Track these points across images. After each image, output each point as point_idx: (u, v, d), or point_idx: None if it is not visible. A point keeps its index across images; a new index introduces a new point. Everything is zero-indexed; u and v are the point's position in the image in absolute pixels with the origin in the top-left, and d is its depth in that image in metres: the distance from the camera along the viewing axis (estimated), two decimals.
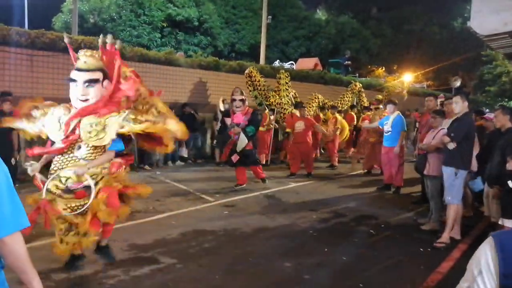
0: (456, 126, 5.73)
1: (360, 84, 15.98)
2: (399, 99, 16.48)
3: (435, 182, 6.26)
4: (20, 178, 7.67)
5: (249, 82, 12.54)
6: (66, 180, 4.04)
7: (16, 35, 9.44)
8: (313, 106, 13.80)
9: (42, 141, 4.50)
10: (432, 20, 37.87)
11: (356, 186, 9.85)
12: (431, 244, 5.66)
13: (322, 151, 14.89)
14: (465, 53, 26.61)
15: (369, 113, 12.55)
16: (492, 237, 1.45)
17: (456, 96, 5.89)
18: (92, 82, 4.07)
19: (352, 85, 15.70)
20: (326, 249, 5.40)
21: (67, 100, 4.30)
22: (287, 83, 13.20)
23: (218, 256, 5.06)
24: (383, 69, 30.46)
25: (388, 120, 9.02)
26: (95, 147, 4.12)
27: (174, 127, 4.27)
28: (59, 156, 4.11)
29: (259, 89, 12.53)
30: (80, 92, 4.04)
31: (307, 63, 21.48)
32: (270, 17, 20.40)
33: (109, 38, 4.43)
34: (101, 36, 4.53)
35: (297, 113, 11.69)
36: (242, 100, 8.67)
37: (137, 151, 8.90)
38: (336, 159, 12.65)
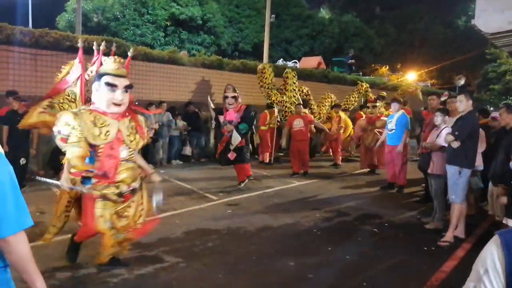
0: (460, 124, 5.73)
1: (367, 85, 15.90)
2: (413, 99, 16.55)
3: (438, 181, 6.25)
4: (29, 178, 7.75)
5: (260, 78, 12.55)
6: (120, 184, 4.09)
7: (20, 34, 9.45)
8: (325, 105, 13.75)
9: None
10: (436, 19, 37.77)
11: (359, 185, 9.84)
12: (435, 243, 5.66)
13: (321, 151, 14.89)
14: (469, 51, 26.51)
15: (365, 111, 12.42)
16: (498, 236, 1.44)
17: (460, 95, 5.88)
18: (128, 88, 4.15)
19: (359, 85, 15.61)
20: (329, 248, 5.40)
21: None
22: (294, 82, 13.16)
23: (222, 255, 5.07)
24: (387, 67, 30.41)
25: (392, 118, 9.01)
26: (132, 150, 4.23)
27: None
28: (109, 161, 4.07)
29: (265, 86, 12.54)
30: (120, 97, 4.05)
31: (311, 62, 21.47)
32: (273, 16, 20.36)
33: (114, 46, 4.50)
34: (114, 44, 4.66)
35: (306, 111, 11.77)
36: (235, 97, 8.61)
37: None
38: (340, 158, 12.63)
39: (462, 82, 18.98)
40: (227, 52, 24.53)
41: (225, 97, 8.75)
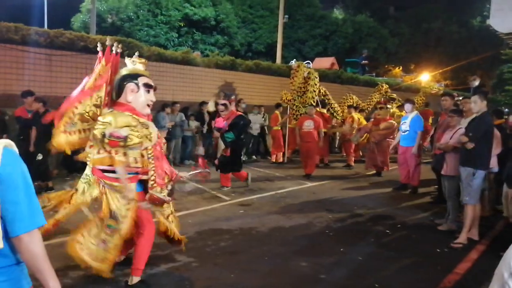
0: (474, 125, 5.68)
1: (387, 85, 15.77)
2: (435, 100, 16.41)
3: (452, 182, 6.20)
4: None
5: (292, 76, 12.75)
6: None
7: (35, 35, 9.60)
8: (377, 108, 13.64)
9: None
10: (451, 19, 37.40)
11: (372, 186, 9.80)
12: (448, 244, 5.62)
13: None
14: (484, 52, 26.19)
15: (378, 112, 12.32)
16: None
17: (475, 96, 5.82)
18: (155, 89, 4.14)
19: (379, 86, 15.46)
20: (342, 249, 5.39)
21: None
22: (316, 84, 13.13)
23: (234, 255, 5.09)
24: (400, 68, 30.20)
25: (406, 119, 8.95)
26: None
27: None
28: (159, 163, 4.03)
29: (295, 86, 12.60)
30: (153, 97, 4.06)
31: (324, 63, 21.39)
32: (286, 16, 20.38)
33: (109, 41, 4.28)
34: (108, 39, 4.45)
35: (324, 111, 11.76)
36: (225, 105, 8.38)
37: None
38: (353, 159, 12.60)
39: (476, 83, 18.71)
40: (240, 53, 24.58)
41: (217, 104, 8.70)
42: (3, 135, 7.99)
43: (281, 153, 12.69)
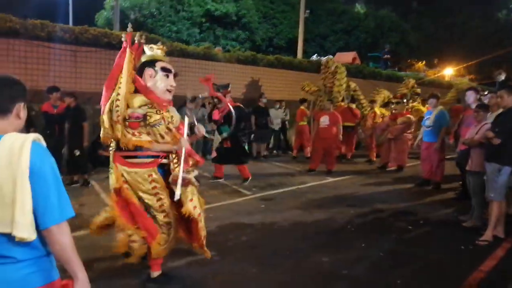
0: (501, 120, 5.56)
1: (414, 80, 15.55)
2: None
3: (477, 178, 6.08)
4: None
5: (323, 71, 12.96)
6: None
7: (61, 32, 9.76)
8: (377, 101, 13.53)
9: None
10: (476, 12, 36.65)
11: (394, 181, 9.70)
12: (472, 242, 5.53)
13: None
14: (510, 45, 25.61)
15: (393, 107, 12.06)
16: None
17: (501, 90, 5.70)
18: (175, 76, 4.09)
19: (406, 81, 15.25)
20: (363, 245, 5.35)
21: None
22: (343, 78, 13.07)
23: (256, 250, 5.10)
24: (424, 63, 29.76)
25: (430, 115, 8.81)
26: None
27: None
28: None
29: (327, 82, 12.61)
30: (173, 83, 4.01)
31: (345, 57, 21.20)
32: (308, 11, 20.24)
33: (129, 28, 4.21)
34: (142, 36, 4.24)
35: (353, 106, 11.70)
36: (218, 98, 8.35)
37: None
38: (374, 154, 12.49)
39: (502, 77, 18.35)
40: (261, 48, 24.56)
41: (212, 96, 8.62)
42: (30, 130, 8.18)
43: (308, 148, 12.64)
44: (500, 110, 5.78)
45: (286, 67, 15.06)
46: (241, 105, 8.81)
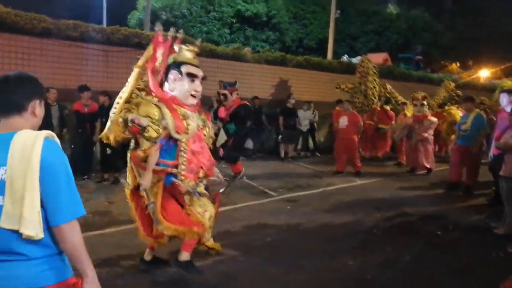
0: None
1: (453, 83, 15.19)
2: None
3: (510, 183, 5.92)
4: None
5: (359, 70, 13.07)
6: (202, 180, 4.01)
7: (93, 32, 9.97)
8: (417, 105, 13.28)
9: None
10: (508, 9, 35.46)
11: (423, 184, 9.52)
12: (504, 249, 5.36)
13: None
14: None
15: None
16: None
17: None
18: (203, 79, 4.00)
19: (446, 83, 14.89)
20: (389, 249, 5.27)
21: None
22: (375, 79, 12.94)
23: (281, 250, 5.09)
24: (458, 64, 29.10)
25: (467, 119, 8.57)
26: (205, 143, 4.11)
27: None
28: (194, 157, 3.91)
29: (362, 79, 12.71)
30: (199, 88, 3.90)
31: (376, 58, 20.91)
32: (338, 11, 20.07)
33: (157, 26, 4.11)
34: (179, 32, 4.18)
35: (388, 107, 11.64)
36: (224, 95, 8.00)
37: None
38: (404, 156, 12.28)
39: None
40: (291, 49, 24.47)
41: (218, 94, 8.41)
42: (63, 129, 8.41)
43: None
44: None
45: (315, 68, 14.99)
46: (248, 103, 8.68)
